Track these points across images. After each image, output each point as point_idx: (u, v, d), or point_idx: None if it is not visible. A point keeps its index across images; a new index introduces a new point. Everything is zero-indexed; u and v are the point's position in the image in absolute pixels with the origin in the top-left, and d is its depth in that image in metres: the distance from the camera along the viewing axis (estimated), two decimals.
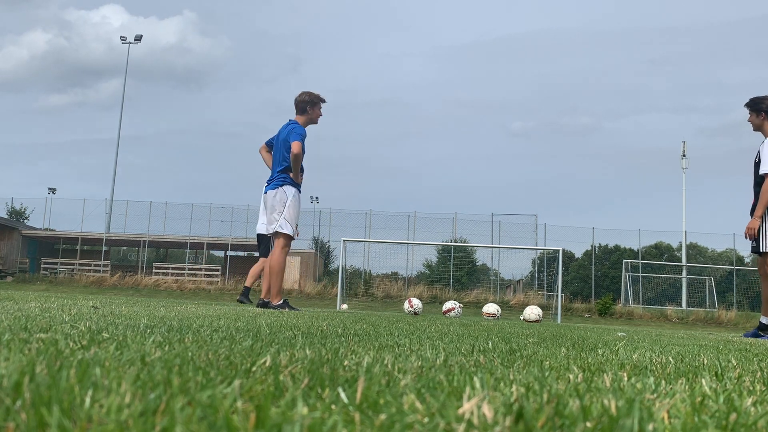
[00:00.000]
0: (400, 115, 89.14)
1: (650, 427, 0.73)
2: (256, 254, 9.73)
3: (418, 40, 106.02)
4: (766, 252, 6.24)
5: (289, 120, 7.40)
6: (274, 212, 7.21)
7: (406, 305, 13.56)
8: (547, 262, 29.57)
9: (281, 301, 7.27)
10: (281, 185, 7.18)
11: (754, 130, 6.48)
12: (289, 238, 7.26)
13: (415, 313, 12.49)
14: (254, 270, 9.87)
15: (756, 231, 6.28)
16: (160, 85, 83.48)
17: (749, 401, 1.05)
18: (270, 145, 7.55)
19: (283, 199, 7.15)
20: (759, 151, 6.31)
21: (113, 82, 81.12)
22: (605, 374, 1.41)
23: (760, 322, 6.44)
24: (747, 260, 41.58)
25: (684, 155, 29.83)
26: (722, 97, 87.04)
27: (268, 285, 7.50)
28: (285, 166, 7.20)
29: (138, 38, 35.94)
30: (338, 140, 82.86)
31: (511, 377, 1.24)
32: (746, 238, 6.38)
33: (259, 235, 9.66)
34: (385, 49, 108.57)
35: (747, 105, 6.46)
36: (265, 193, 7.41)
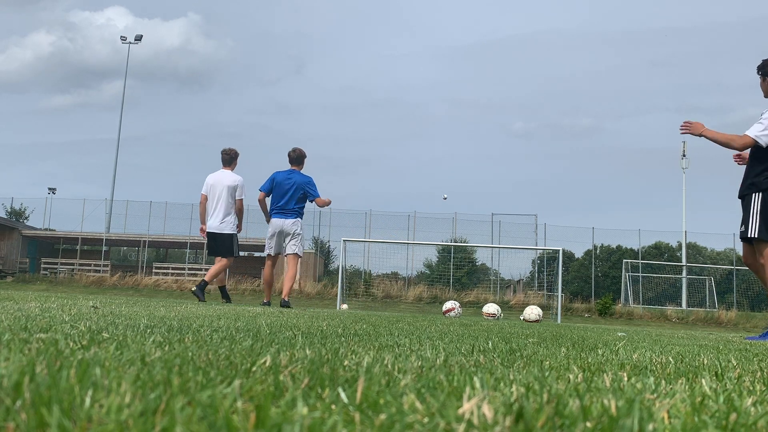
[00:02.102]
0: (401, 115, 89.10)
1: (650, 427, 0.73)
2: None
3: (421, 41, 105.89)
4: (755, 238, 5.80)
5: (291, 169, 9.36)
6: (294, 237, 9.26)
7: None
8: (547, 262, 29.55)
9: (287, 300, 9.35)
10: (297, 218, 9.25)
11: (765, 96, 6.14)
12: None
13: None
14: (218, 269, 9.76)
15: (697, 133, 5.90)
16: (163, 86, 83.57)
17: (749, 401, 1.05)
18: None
19: (300, 230, 9.29)
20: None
21: (116, 83, 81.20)
22: (605, 374, 1.41)
23: None
24: None
25: (684, 155, 29.83)
26: (724, 97, 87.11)
27: (278, 287, 9.58)
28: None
29: (138, 38, 35.94)
30: (339, 140, 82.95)
31: (511, 377, 1.24)
32: (681, 131, 6.00)
33: (211, 234, 9.68)
34: (388, 50, 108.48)
35: (758, 68, 6.10)
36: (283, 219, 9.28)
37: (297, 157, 9.31)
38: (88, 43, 74.89)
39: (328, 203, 9.38)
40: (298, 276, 9.75)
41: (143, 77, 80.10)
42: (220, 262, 9.77)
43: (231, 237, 9.64)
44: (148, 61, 75.13)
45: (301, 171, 9.31)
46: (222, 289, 10.10)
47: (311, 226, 31.79)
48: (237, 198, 9.61)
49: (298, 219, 9.22)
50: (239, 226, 9.78)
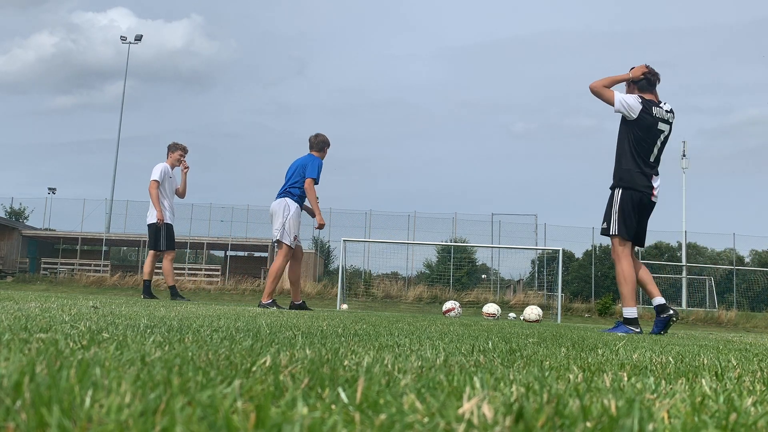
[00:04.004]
0: (402, 115, 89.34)
1: (650, 427, 0.73)
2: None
3: (423, 41, 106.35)
4: (615, 235, 5.90)
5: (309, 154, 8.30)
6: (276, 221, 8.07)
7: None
8: (547, 262, 29.56)
9: (270, 301, 7.99)
10: (284, 197, 8.07)
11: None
12: (288, 248, 8.07)
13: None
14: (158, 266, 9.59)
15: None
16: (166, 86, 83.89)
17: (749, 401, 1.05)
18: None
19: (284, 210, 8.00)
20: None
21: (119, 84, 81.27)
22: (605, 374, 1.41)
23: (624, 316, 5.87)
24: (747, 260, 41.56)
25: (684, 155, 29.83)
26: (725, 98, 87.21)
27: (296, 289, 8.45)
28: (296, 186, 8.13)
29: (138, 38, 35.93)
30: (339, 140, 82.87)
31: (511, 377, 1.24)
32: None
33: (149, 225, 9.47)
34: (390, 50, 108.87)
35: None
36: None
37: (314, 143, 8.29)
38: (91, 45, 75.15)
39: (320, 218, 8.07)
40: (282, 272, 8.24)
41: (146, 78, 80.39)
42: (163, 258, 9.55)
43: (149, 227, 9.38)
44: (151, 62, 75.45)
45: (319, 157, 8.19)
46: (147, 283, 9.54)
47: (311, 225, 31.73)
48: None
49: (285, 198, 8.02)
50: (158, 215, 9.22)
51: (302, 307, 8.14)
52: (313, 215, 8.25)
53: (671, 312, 5.87)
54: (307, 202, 8.19)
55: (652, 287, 6.05)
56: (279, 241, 8.02)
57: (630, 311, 5.84)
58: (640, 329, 5.83)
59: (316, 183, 8.02)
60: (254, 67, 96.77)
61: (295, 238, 8.08)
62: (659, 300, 5.99)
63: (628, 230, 5.93)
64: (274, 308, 7.56)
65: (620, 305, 6.25)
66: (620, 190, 5.94)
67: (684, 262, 29.76)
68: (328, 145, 8.39)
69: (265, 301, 8.00)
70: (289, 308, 7.98)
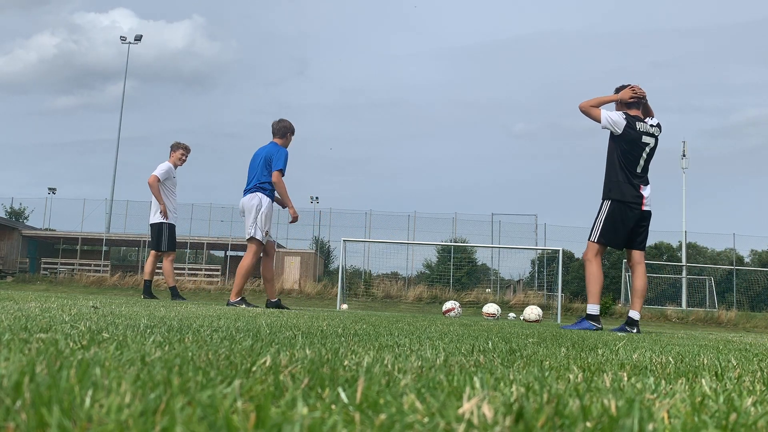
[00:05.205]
0: (402, 115, 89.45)
1: (650, 427, 0.73)
2: None
3: (423, 41, 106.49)
4: (594, 242, 6.25)
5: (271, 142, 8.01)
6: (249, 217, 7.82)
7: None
8: (547, 262, 29.55)
9: (239, 299, 7.76)
10: (256, 192, 7.79)
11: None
12: (259, 244, 7.80)
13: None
14: (149, 265, 9.47)
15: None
16: (167, 87, 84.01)
17: (749, 401, 1.05)
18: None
19: (257, 205, 7.73)
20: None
21: (120, 84, 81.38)
22: (605, 374, 1.41)
23: (587, 313, 6.17)
24: (747, 260, 41.56)
25: (684, 155, 29.82)
26: (725, 98, 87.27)
27: (272, 287, 8.21)
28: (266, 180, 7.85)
29: (138, 38, 35.91)
30: (339, 140, 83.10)
31: (511, 377, 1.24)
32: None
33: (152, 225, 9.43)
34: (390, 50, 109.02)
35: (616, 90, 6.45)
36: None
37: (276, 129, 7.93)
38: (93, 45, 75.27)
39: (293, 211, 7.87)
40: (256, 270, 8.01)
41: (147, 78, 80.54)
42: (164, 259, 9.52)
43: (152, 227, 9.38)
44: (153, 62, 75.60)
45: (282, 144, 7.88)
46: (147, 283, 9.51)
47: (311, 225, 31.75)
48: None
49: (257, 193, 7.70)
50: (163, 212, 9.20)
51: (278, 305, 7.87)
52: (284, 207, 7.98)
53: (635, 331, 6.11)
54: (278, 195, 7.89)
55: (638, 300, 6.29)
56: (251, 238, 7.74)
57: (594, 308, 6.20)
58: (602, 326, 6.21)
59: (283, 174, 7.75)
60: (255, 67, 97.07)
61: (266, 233, 7.80)
62: (636, 314, 6.26)
63: (609, 239, 6.24)
64: (243, 306, 7.41)
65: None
66: (609, 202, 6.26)
67: (684, 262, 29.75)
68: (292, 131, 8.02)
69: (233, 299, 7.74)
70: (266, 307, 7.74)
